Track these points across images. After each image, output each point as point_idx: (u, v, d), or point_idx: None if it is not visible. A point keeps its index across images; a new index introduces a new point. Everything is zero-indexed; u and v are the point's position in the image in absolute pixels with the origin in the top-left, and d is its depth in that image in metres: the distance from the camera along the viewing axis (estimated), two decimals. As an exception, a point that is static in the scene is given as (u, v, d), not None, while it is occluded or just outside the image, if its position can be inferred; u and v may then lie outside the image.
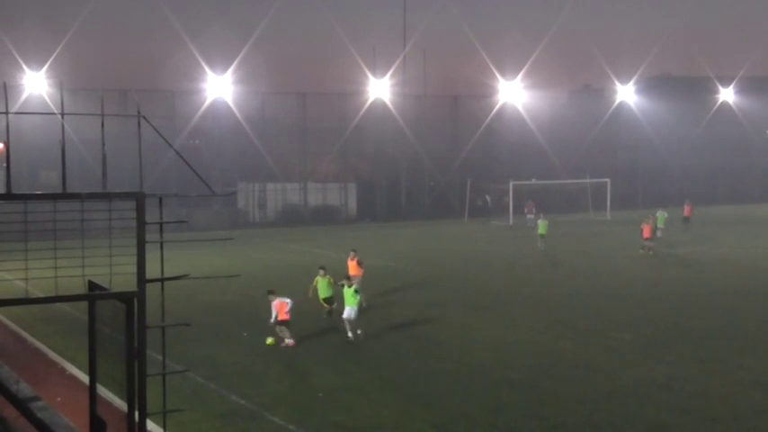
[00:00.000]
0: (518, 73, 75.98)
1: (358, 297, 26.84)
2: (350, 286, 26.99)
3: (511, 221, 64.91)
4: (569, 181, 73.09)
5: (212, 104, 66.02)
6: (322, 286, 29.47)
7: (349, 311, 26.66)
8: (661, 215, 51.94)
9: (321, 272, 29.69)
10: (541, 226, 48.31)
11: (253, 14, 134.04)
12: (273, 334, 26.27)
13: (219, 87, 66.02)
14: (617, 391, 20.85)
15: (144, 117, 10.42)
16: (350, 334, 26.59)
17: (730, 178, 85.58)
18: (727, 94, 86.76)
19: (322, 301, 29.49)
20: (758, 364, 23.05)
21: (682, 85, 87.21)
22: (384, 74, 72.80)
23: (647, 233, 45.66)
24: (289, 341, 26.09)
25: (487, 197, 74.22)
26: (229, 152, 66.51)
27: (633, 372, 22.43)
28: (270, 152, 67.66)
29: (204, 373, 22.57)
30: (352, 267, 32.52)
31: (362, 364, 23.91)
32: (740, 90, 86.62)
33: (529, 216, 63.37)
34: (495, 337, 27.19)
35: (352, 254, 33.28)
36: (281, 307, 26.30)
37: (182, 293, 32.90)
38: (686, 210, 56.59)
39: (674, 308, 30.86)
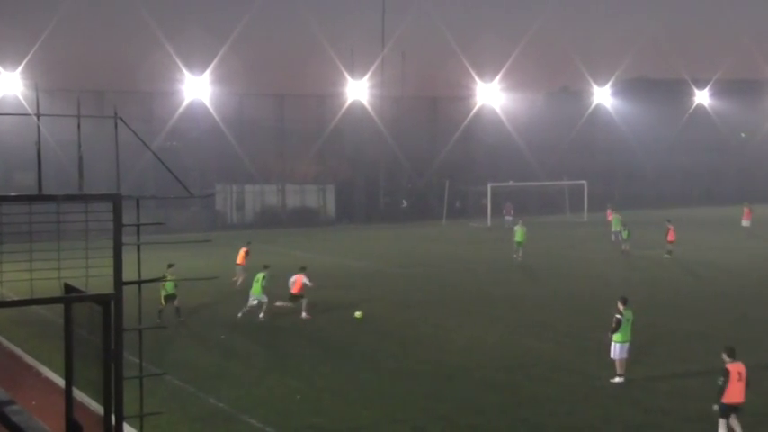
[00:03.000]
0: (496, 75, 76.25)
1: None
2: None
3: (489, 223, 65.03)
4: (547, 183, 73.31)
5: (190, 106, 65.74)
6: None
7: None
8: (616, 218, 52.19)
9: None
10: (519, 233, 45.34)
11: (230, 16, 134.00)
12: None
13: (197, 89, 65.76)
14: (595, 392, 20.93)
15: (121, 119, 10.34)
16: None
17: (705, 180, 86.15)
18: (702, 97, 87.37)
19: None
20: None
21: (658, 88, 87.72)
22: (362, 76, 72.82)
23: (671, 236, 45.61)
24: (304, 315, 29.95)
25: (457, 203, 74.18)
26: (207, 154, 66.26)
27: (611, 372, 22.48)
28: (248, 154, 67.45)
29: (182, 376, 22.44)
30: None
31: (341, 365, 23.86)
32: (715, 93, 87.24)
33: (507, 218, 63.50)
34: (473, 338, 27.22)
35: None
36: (298, 280, 30.20)
37: (158, 296, 32.71)
38: (608, 214, 56.69)
39: (652, 309, 30.98)
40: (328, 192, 72.00)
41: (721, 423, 17.12)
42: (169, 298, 30.02)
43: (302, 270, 31.08)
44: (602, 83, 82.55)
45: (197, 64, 66.37)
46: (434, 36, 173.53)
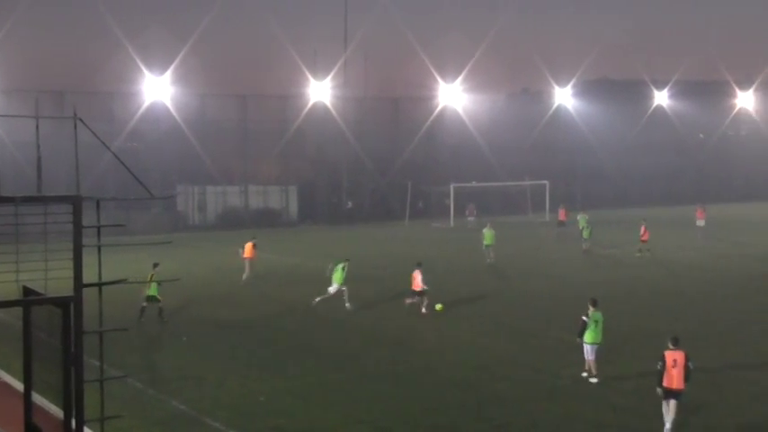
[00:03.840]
0: (458, 76, 76.30)
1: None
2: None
3: (452, 223, 65.18)
4: (509, 183, 73.59)
5: (151, 106, 65.12)
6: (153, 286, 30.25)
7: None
8: (582, 217, 52.92)
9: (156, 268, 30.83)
10: (487, 236, 44.56)
11: (192, 16, 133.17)
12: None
13: (158, 89, 65.19)
14: (558, 391, 21.07)
15: (80, 119, 10.24)
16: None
17: (665, 180, 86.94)
18: (661, 98, 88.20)
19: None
20: (695, 362, 23.40)
21: (618, 89, 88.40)
22: (325, 76, 72.57)
23: (644, 236, 46.22)
24: (437, 306, 31.26)
25: (420, 204, 74.23)
26: (168, 155, 65.67)
27: (573, 371, 22.65)
28: (210, 155, 66.97)
29: (143, 379, 22.26)
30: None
31: (304, 366, 23.79)
32: (674, 94, 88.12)
33: (470, 218, 63.65)
34: (438, 338, 27.28)
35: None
36: (416, 278, 31.74)
37: (120, 298, 32.28)
38: (561, 213, 57.24)
39: (615, 308, 31.18)
40: (291, 193, 71.71)
41: (663, 405, 18.10)
42: (151, 299, 30.08)
43: (419, 266, 32.37)
44: (563, 84, 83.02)
45: (158, 64, 65.80)
46: (397, 37, 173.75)
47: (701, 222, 56.02)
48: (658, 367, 18.18)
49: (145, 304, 30.04)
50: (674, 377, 18.05)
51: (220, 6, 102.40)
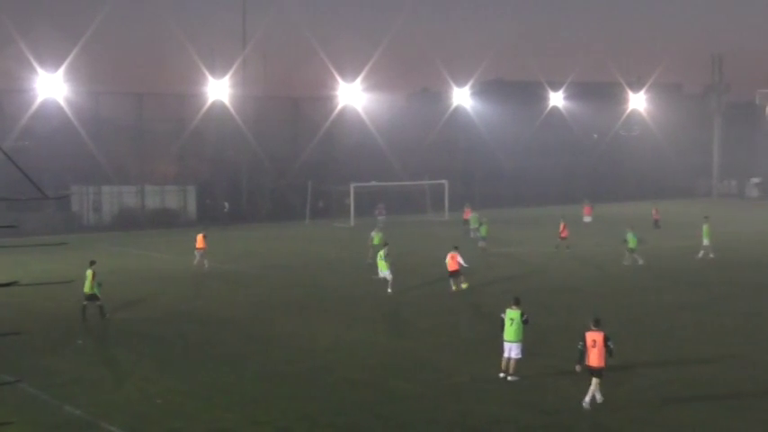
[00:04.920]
0: (358, 75, 76.46)
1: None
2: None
3: (352, 223, 65.31)
4: (408, 183, 74.09)
5: (43, 104, 63.45)
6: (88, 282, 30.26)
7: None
8: (473, 216, 53.96)
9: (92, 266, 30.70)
10: (375, 238, 44.27)
11: (87, 12, 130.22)
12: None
13: (51, 87, 63.56)
14: (456, 388, 21.34)
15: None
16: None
17: (561, 179, 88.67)
18: (556, 99, 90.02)
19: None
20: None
21: (515, 90, 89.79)
22: (223, 75, 71.85)
23: (564, 232, 47.60)
24: (464, 285, 34.92)
25: (320, 203, 74.19)
26: (62, 154, 64.01)
27: (471, 369, 23.00)
28: (105, 154, 65.61)
29: (36, 384, 21.72)
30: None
31: (202, 368, 23.57)
32: (569, 95, 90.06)
33: (379, 217, 63.96)
34: (336, 337, 27.34)
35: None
36: (453, 257, 34.76)
37: (12, 301, 31.63)
38: (465, 212, 58.52)
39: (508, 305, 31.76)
40: (189, 193, 70.76)
41: (592, 382, 19.52)
42: (90, 297, 29.97)
43: (456, 249, 35.47)
44: (461, 84, 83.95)
45: (51, 61, 64.11)
46: (296, 36, 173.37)
47: (587, 219, 57.87)
48: (579, 347, 19.63)
49: (85, 303, 29.96)
50: (593, 356, 19.45)
51: (116, 2, 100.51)
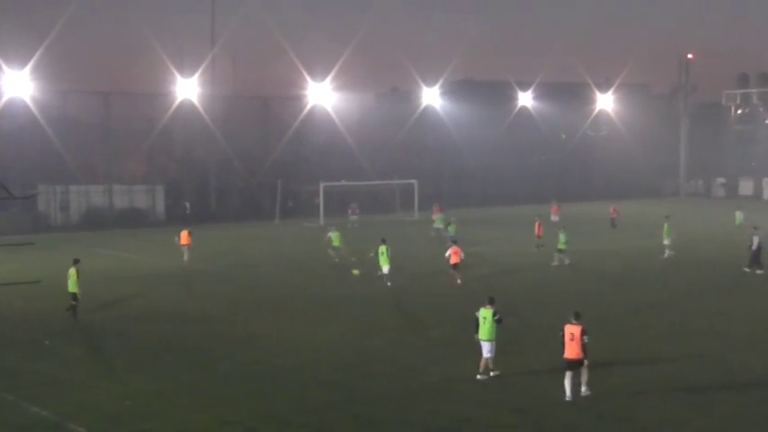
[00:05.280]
0: (327, 75, 76.32)
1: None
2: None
3: (322, 222, 65.19)
4: (378, 182, 74.11)
5: (9, 103, 62.80)
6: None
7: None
8: (439, 217, 54.83)
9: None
10: (334, 237, 44.78)
11: (54, 9, 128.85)
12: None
13: (16, 85, 62.89)
14: (426, 388, 21.40)
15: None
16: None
17: (529, 179, 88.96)
18: (525, 99, 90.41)
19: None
20: (551, 356, 24.15)
21: (484, 90, 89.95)
22: (192, 74, 71.47)
23: (538, 231, 47.99)
24: (458, 281, 36.35)
25: (290, 203, 73.98)
26: (29, 153, 63.41)
27: (440, 368, 23.08)
28: (72, 153, 65.04)
29: (2, 385, 21.60)
30: None
31: (171, 368, 23.47)
32: (537, 95, 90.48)
33: (352, 217, 63.94)
34: (306, 337, 27.31)
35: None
36: (455, 252, 36.70)
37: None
38: (435, 211, 59.05)
39: (476, 305, 31.86)
40: (158, 192, 70.35)
41: (566, 375, 20.04)
42: (72, 295, 30.01)
43: (455, 243, 37.99)
44: (430, 84, 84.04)
45: (17, 59, 63.43)
46: (265, 36, 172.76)
47: (555, 218, 58.40)
48: (559, 336, 20.38)
49: (73, 302, 29.99)
50: (570, 349, 20.05)
51: (83, 0, 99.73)
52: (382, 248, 37.39)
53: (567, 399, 19.87)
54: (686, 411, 19.50)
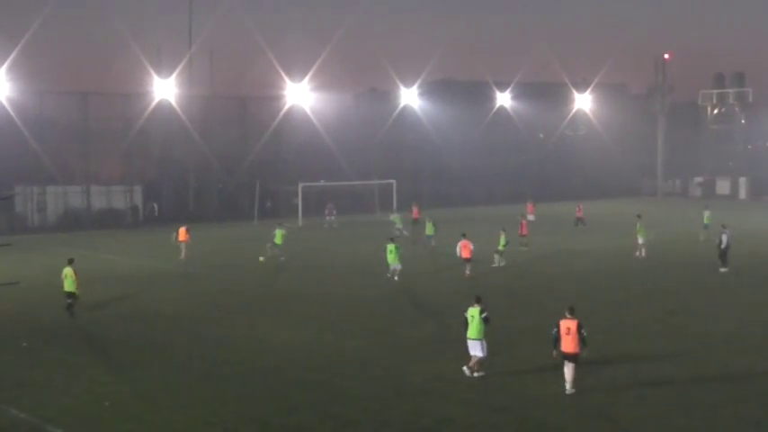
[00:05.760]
0: (305, 75, 76.26)
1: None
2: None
3: (300, 223, 65.14)
4: (357, 182, 74.15)
5: (-16, 104, 62.42)
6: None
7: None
8: (395, 217, 56.35)
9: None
10: (278, 235, 45.49)
11: (29, 8, 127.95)
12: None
13: (-7, 86, 62.48)
14: (406, 388, 21.42)
15: None
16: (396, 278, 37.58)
17: (508, 179, 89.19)
18: (503, 99, 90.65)
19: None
20: (533, 355, 24.31)
21: (462, 90, 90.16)
22: (169, 74, 71.21)
23: (524, 230, 48.49)
24: (467, 272, 38.41)
25: (268, 203, 73.84)
26: (5, 154, 62.96)
27: (421, 368, 23.11)
28: (49, 154, 64.69)
29: (-20, 388, 21.42)
30: None
31: (151, 370, 23.39)
32: (516, 95, 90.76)
33: (328, 218, 63.89)
34: (285, 338, 27.27)
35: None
36: (465, 245, 38.53)
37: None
38: (414, 212, 59.54)
39: (457, 305, 31.95)
40: (135, 193, 70.05)
41: (565, 369, 20.66)
42: (69, 295, 30.27)
43: (464, 236, 39.20)
44: (408, 84, 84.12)
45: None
46: (243, 35, 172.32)
47: (531, 217, 58.89)
48: (552, 333, 20.87)
49: (69, 301, 30.26)
50: (567, 343, 20.64)
51: (59, 0, 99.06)
52: (391, 247, 38.36)
53: (568, 390, 20.53)
54: (666, 409, 19.61)
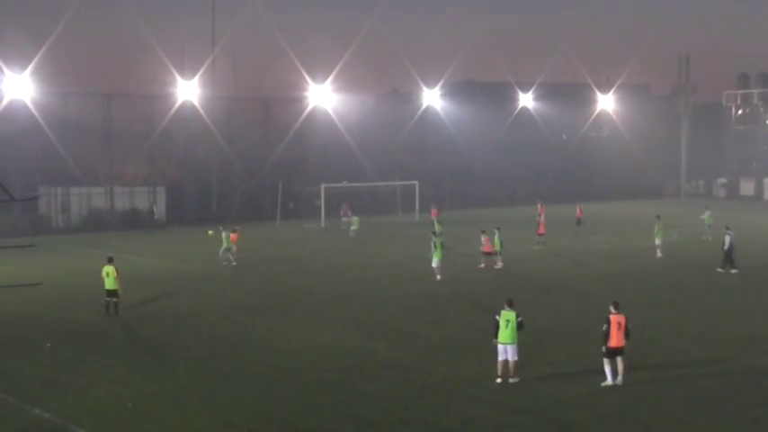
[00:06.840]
0: (328, 76, 76.22)
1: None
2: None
3: (323, 224, 65.21)
4: (379, 183, 74.15)
5: (10, 105, 62.79)
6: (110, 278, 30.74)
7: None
8: (354, 219, 56.85)
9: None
10: (223, 239, 45.13)
11: (53, 11, 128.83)
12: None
13: (17, 87, 62.89)
14: (428, 389, 21.38)
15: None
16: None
17: (530, 180, 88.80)
18: (526, 100, 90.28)
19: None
20: (557, 356, 24.23)
21: (485, 91, 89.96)
22: (193, 76, 71.41)
23: (541, 230, 49.60)
24: (481, 264, 41.03)
25: (291, 204, 73.89)
26: (29, 155, 63.40)
27: (443, 369, 23.06)
28: (73, 155, 65.06)
29: (4, 387, 21.57)
30: None
31: (174, 370, 23.46)
32: (538, 96, 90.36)
33: (344, 218, 63.90)
34: (307, 338, 27.29)
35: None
36: (487, 241, 40.88)
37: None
38: (433, 213, 59.59)
39: (478, 306, 31.88)
40: (159, 194, 70.29)
41: (606, 362, 21.25)
42: (111, 293, 30.59)
43: (484, 233, 41.33)
44: (431, 85, 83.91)
45: (17, 62, 63.38)
46: (266, 37, 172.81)
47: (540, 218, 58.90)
48: (603, 329, 21.23)
49: (107, 299, 30.53)
50: (617, 338, 21.15)
51: (83, 2, 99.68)
52: (437, 240, 39.54)
53: (609, 383, 21.06)
54: (689, 412, 19.47)
